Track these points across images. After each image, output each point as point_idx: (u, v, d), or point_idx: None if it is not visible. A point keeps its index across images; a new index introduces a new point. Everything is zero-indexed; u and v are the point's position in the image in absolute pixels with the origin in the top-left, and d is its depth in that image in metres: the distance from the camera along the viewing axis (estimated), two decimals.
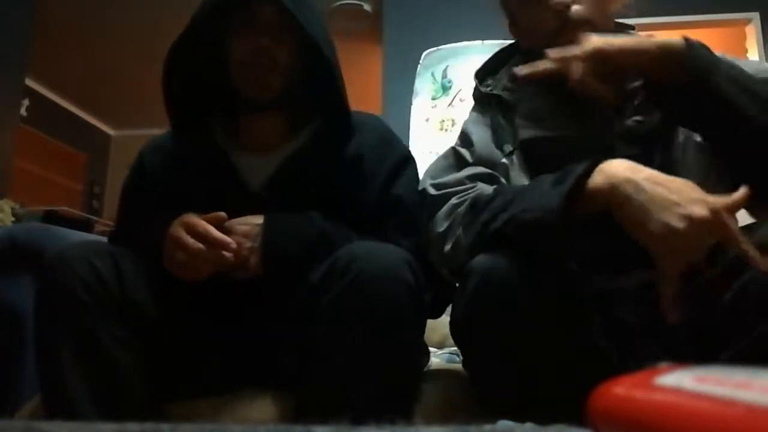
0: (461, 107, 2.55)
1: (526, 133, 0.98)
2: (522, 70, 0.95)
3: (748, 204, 0.71)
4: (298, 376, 0.87)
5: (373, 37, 4.48)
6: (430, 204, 0.95)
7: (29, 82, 5.14)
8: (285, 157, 1.04)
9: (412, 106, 2.78)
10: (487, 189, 0.90)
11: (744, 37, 3.77)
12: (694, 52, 0.84)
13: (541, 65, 0.92)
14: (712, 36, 2.85)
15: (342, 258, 0.83)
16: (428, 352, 1.13)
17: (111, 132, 6.96)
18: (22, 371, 1.35)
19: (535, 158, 0.96)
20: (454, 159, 1.02)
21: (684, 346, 0.77)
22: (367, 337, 0.80)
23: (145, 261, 0.93)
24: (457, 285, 0.87)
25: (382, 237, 0.97)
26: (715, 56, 0.85)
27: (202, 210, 0.93)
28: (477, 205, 0.87)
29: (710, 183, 0.78)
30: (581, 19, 0.95)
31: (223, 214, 0.92)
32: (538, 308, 0.76)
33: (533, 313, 0.76)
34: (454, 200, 0.92)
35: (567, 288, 0.80)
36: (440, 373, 1.07)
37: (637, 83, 0.94)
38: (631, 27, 1.07)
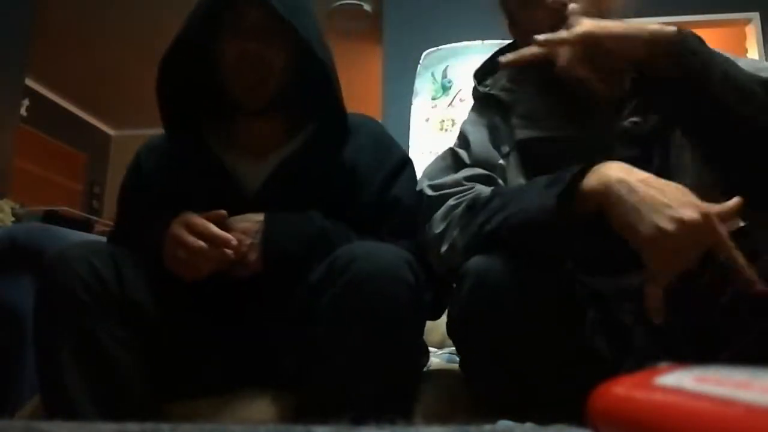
0: (461, 107, 2.55)
1: (522, 133, 0.97)
2: (506, 57, 0.92)
3: (740, 212, 0.71)
4: (298, 376, 0.87)
5: (373, 37, 4.48)
6: (427, 205, 0.95)
7: (29, 82, 5.13)
8: (280, 160, 1.04)
9: (412, 106, 2.77)
10: (484, 190, 0.90)
11: (744, 37, 3.77)
12: (686, 43, 0.83)
13: (527, 51, 0.90)
14: (712, 36, 2.84)
15: (342, 257, 0.83)
16: (428, 352, 1.14)
17: (111, 132, 6.96)
18: (22, 371, 1.35)
19: (531, 159, 0.95)
20: (452, 160, 1.02)
21: (684, 346, 0.77)
22: (367, 336, 0.80)
23: (145, 261, 0.93)
24: (454, 286, 0.87)
25: (380, 238, 0.97)
26: (709, 50, 0.84)
27: (198, 211, 0.93)
28: (474, 206, 0.87)
29: (707, 186, 0.78)
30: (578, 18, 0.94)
31: (223, 212, 0.93)
32: (533, 310, 0.76)
33: (528, 314, 0.76)
34: (451, 201, 0.92)
35: (562, 289, 0.80)
36: (440, 373, 1.07)
37: (629, 76, 0.92)
38: None
